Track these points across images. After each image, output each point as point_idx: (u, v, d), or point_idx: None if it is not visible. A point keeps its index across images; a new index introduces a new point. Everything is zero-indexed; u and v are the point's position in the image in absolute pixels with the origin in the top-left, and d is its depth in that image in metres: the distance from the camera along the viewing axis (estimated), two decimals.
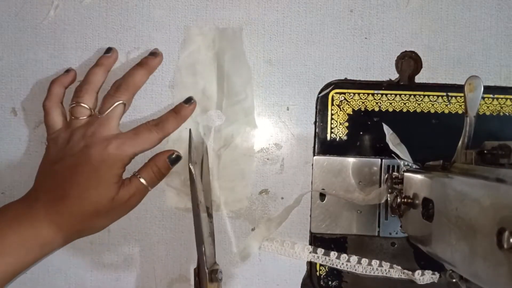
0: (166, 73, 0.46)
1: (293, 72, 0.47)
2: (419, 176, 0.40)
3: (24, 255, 0.39)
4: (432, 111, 0.46)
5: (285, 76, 0.47)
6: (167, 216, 0.46)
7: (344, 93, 0.46)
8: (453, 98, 0.46)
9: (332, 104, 0.46)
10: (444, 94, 0.46)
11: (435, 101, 0.46)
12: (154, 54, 0.45)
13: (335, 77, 0.47)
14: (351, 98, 0.46)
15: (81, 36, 0.46)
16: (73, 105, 0.42)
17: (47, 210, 0.39)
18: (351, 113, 0.46)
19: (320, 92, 0.46)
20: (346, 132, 0.46)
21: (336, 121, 0.46)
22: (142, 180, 0.42)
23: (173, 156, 0.43)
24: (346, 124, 0.46)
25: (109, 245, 0.46)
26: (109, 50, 0.45)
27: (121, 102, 0.42)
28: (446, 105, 0.46)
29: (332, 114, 0.46)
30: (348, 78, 0.47)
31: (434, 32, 0.47)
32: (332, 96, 0.46)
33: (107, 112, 0.42)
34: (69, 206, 0.39)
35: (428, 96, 0.46)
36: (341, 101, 0.46)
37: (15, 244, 0.38)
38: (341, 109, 0.46)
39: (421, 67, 0.47)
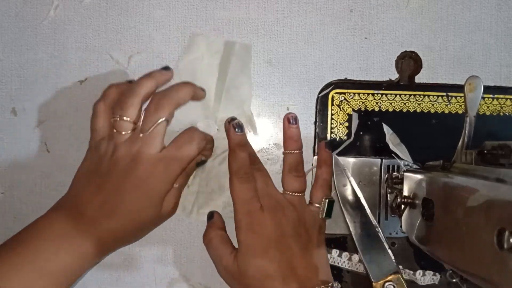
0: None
1: (293, 72, 0.47)
2: (419, 176, 0.40)
3: (71, 276, 0.37)
4: (432, 111, 0.46)
5: (285, 76, 0.47)
6: None
7: (344, 93, 0.46)
8: (453, 98, 0.46)
9: (332, 104, 0.46)
10: (444, 94, 0.46)
11: (435, 101, 0.46)
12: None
13: (335, 77, 0.47)
14: (351, 98, 0.46)
15: (81, 36, 0.46)
16: (117, 118, 0.39)
17: (95, 227, 0.38)
18: (351, 113, 0.46)
19: (320, 92, 0.46)
20: (346, 132, 0.46)
21: (336, 121, 0.46)
22: (176, 185, 0.42)
23: (200, 160, 0.44)
24: (346, 124, 0.46)
25: None
26: (167, 68, 0.43)
27: (163, 119, 0.40)
28: (446, 105, 0.46)
29: (332, 114, 0.46)
30: (348, 78, 0.47)
31: (434, 32, 0.47)
32: (332, 96, 0.46)
33: (150, 130, 0.39)
34: (118, 224, 0.38)
35: (428, 96, 0.46)
36: (341, 101, 0.46)
37: (62, 266, 0.37)
38: (341, 109, 0.46)
39: (421, 67, 0.47)
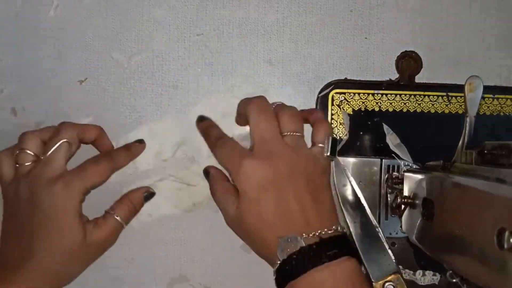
0: (166, 73, 0.46)
1: (293, 72, 0.47)
2: (419, 176, 0.40)
3: None
4: (432, 111, 0.46)
5: (285, 76, 0.47)
6: (167, 216, 0.46)
7: (344, 93, 0.46)
8: (453, 98, 0.46)
9: (332, 104, 0.46)
10: (444, 94, 0.46)
11: (435, 101, 0.46)
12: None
13: (335, 77, 0.47)
14: (351, 98, 0.46)
15: (81, 36, 0.46)
16: (17, 151, 0.39)
17: (19, 275, 0.36)
18: (351, 113, 0.46)
19: (320, 92, 0.46)
20: (346, 132, 0.46)
21: (336, 121, 0.46)
22: (118, 218, 0.40)
23: (148, 193, 0.42)
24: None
25: None
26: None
27: (64, 140, 0.39)
28: (446, 105, 0.46)
29: (332, 114, 0.46)
30: (348, 78, 0.47)
31: (435, 32, 0.47)
32: (332, 96, 0.46)
33: (49, 152, 0.39)
34: (39, 263, 0.37)
35: (428, 96, 0.46)
36: (341, 101, 0.46)
37: None
38: (341, 109, 0.46)
39: (421, 67, 0.47)
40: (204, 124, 0.41)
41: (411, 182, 0.41)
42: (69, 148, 0.40)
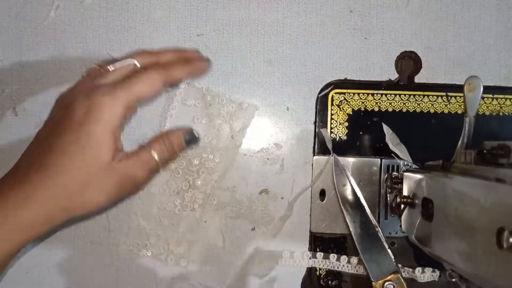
0: None
1: (293, 72, 0.47)
2: (418, 176, 0.40)
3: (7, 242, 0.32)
4: (432, 111, 0.47)
5: (285, 76, 0.47)
6: (167, 216, 0.46)
7: (344, 93, 0.46)
8: (453, 98, 0.46)
9: (332, 104, 0.46)
10: (444, 94, 0.46)
11: (434, 101, 0.46)
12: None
13: (335, 77, 0.47)
14: (351, 98, 0.46)
15: (81, 37, 0.46)
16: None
17: (24, 187, 0.32)
18: (351, 113, 0.46)
19: (320, 92, 0.46)
20: (346, 132, 0.46)
21: (336, 121, 0.46)
22: (152, 152, 0.35)
23: (191, 133, 0.37)
24: (346, 124, 0.46)
25: (109, 245, 0.46)
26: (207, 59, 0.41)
27: (132, 61, 0.36)
28: (446, 105, 0.47)
29: (332, 114, 0.46)
30: (348, 78, 0.47)
31: (434, 32, 0.47)
32: (332, 96, 0.46)
33: (116, 67, 0.35)
34: (51, 177, 0.32)
35: (428, 96, 0.46)
36: (341, 101, 0.46)
37: None
38: (341, 109, 0.46)
39: (421, 67, 0.47)
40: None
41: (410, 182, 0.42)
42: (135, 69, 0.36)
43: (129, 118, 0.35)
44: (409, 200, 0.41)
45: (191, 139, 0.38)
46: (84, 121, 0.32)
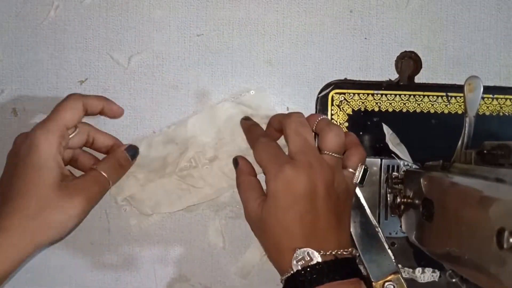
0: (166, 73, 0.46)
1: (293, 72, 0.47)
2: (419, 176, 0.40)
3: None
4: (432, 111, 0.46)
5: (285, 76, 0.47)
6: (167, 216, 0.46)
7: (344, 93, 0.46)
8: (453, 98, 0.46)
9: (332, 105, 0.46)
10: (444, 94, 0.46)
11: (434, 101, 0.46)
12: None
13: (335, 77, 0.47)
14: (351, 98, 0.46)
15: (81, 37, 0.46)
16: None
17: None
18: (351, 113, 0.46)
19: (320, 92, 0.46)
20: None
21: (336, 121, 0.46)
22: (101, 170, 0.40)
23: (130, 147, 0.43)
24: (346, 124, 0.46)
25: (109, 245, 0.46)
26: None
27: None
28: (446, 105, 0.47)
29: (332, 114, 0.46)
30: (348, 78, 0.47)
31: (434, 32, 0.47)
32: (332, 96, 0.46)
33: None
34: (16, 207, 0.37)
35: (428, 96, 0.46)
36: (341, 101, 0.46)
37: None
38: (341, 109, 0.46)
39: (421, 67, 0.47)
40: (249, 123, 0.44)
41: (410, 182, 0.41)
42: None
43: (66, 144, 0.40)
44: (409, 201, 0.41)
45: (134, 153, 0.44)
46: (27, 154, 0.38)
